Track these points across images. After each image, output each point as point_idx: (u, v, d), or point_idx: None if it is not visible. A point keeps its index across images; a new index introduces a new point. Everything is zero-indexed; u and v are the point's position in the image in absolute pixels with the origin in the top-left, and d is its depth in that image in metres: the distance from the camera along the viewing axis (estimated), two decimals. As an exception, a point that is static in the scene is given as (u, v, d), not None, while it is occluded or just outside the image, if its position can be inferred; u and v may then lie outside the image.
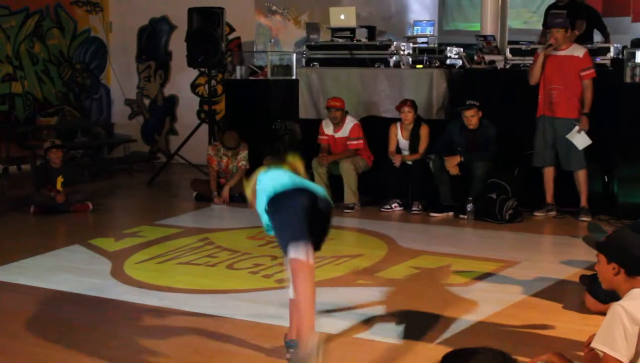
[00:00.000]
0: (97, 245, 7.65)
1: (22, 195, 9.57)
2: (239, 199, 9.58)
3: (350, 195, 9.22)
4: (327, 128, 9.58)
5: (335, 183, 9.38)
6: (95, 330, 5.35)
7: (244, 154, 9.90)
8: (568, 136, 8.42)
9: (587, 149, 8.47)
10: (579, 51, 8.50)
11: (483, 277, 6.41)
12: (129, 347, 5.03)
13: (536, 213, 8.73)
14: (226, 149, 9.87)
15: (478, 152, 8.83)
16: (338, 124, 9.46)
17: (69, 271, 6.75)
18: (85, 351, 4.91)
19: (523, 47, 9.61)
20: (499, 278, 6.39)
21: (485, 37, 9.78)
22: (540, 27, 11.00)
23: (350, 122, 9.48)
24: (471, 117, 8.80)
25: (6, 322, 5.50)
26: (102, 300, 5.99)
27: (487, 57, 9.53)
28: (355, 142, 9.42)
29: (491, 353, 2.55)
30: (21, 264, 6.99)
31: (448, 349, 4.28)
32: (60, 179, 9.32)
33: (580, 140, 8.42)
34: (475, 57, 9.74)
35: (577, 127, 8.39)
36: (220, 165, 9.89)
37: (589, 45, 9.02)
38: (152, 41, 13.91)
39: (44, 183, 9.31)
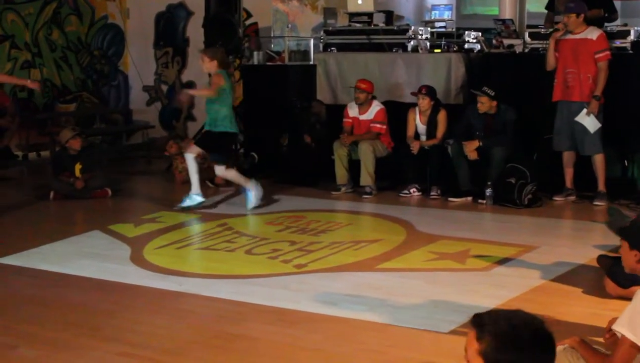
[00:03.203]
0: (117, 230, 7.69)
1: (42, 181, 9.62)
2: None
3: (366, 176, 9.19)
4: (352, 110, 9.56)
5: (355, 167, 9.38)
6: (115, 315, 5.38)
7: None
8: (577, 119, 8.37)
9: (606, 133, 8.42)
10: (593, 34, 8.42)
11: (502, 261, 6.40)
12: (149, 332, 5.05)
13: (555, 198, 8.68)
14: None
15: (497, 136, 8.79)
16: (363, 107, 9.44)
17: (88, 257, 6.79)
18: (106, 336, 4.94)
19: (542, 31, 9.54)
20: (518, 263, 6.37)
21: (503, 21, 9.72)
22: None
23: (376, 106, 9.46)
24: (480, 104, 8.77)
25: (26, 308, 5.54)
26: (122, 285, 6.03)
27: (506, 41, 9.47)
28: (379, 125, 9.40)
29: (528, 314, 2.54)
30: (41, 250, 7.04)
31: (464, 334, 4.27)
32: (78, 166, 9.36)
33: (590, 123, 8.35)
34: (494, 41, 9.67)
35: (585, 110, 8.34)
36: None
37: (608, 29, 8.94)
38: (169, 27, 13.91)
39: (62, 169, 9.36)
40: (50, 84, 13.17)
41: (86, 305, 5.57)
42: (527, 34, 9.46)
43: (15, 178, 10.79)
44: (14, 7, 12.18)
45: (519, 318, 2.47)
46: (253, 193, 8.49)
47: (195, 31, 12.94)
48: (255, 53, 11.18)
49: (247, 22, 12.86)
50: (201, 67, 8.65)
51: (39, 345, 4.84)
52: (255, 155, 10.18)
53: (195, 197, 8.53)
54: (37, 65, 12.87)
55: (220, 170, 8.62)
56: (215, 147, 8.47)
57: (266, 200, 8.76)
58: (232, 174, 8.64)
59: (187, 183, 9.58)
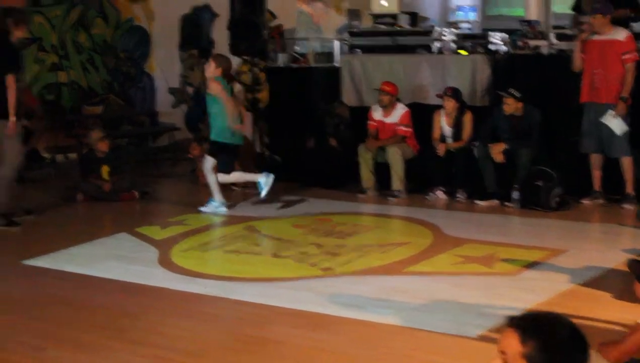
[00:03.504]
0: (144, 233, 7.72)
1: (69, 183, 9.68)
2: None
3: (397, 181, 9.19)
4: (376, 113, 9.55)
5: (380, 170, 9.38)
6: (140, 317, 5.40)
7: None
8: (603, 120, 8.30)
9: (635, 135, 8.34)
10: (621, 34, 8.35)
11: (530, 265, 6.35)
12: (174, 334, 5.07)
13: (583, 201, 8.61)
14: None
15: (523, 138, 8.74)
16: (387, 109, 9.43)
17: (116, 259, 6.83)
18: (131, 338, 4.97)
19: (568, 32, 9.48)
20: (546, 267, 6.32)
21: (529, 22, 9.66)
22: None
23: (401, 109, 9.45)
24: (506, 105, 8.73)
25: (54, 309, 5.58)
26: (149, 287, 6.06)
27: (532, 43, 9.41)
28: (404, 128, 9.39)
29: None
30: (69, 252, 7.09)
31: (494, 338, 4.24)
32: (106, 168, 9.42)
33: (617, 125, 8.28)
34: (520, 43, 9.61)
35: (611, 111, 8.27)
36: None
37: (634, 29, 8.86)
38: (194, 29, 13.94)
39: (90, 172, 9.42)
40: (77, 86, 13.25)
41: (112, 307, 5.59)
42: (553, 35, 9.40)
43: (43, 180, 10.86)
44: (41, 9, 12.26)
45: (558, 320, 2.47)
46: (263, 181, 8.53)
47: (220, 33, 12.95)
48: (279, 55, 11.20)
49: (272, 24, 12.86)
50: (205, 69, 8.73)
51: (65, 346, 4.88)
52: (279, 158, 10.17)
53: (215, 206, 8.58)
54: (64, 67, 12.97)
55: (222, 178, 8.64)
56: (219, 157, 8.57)
57: (289, 201, 8.76)
58: (236, 176, 8.75)
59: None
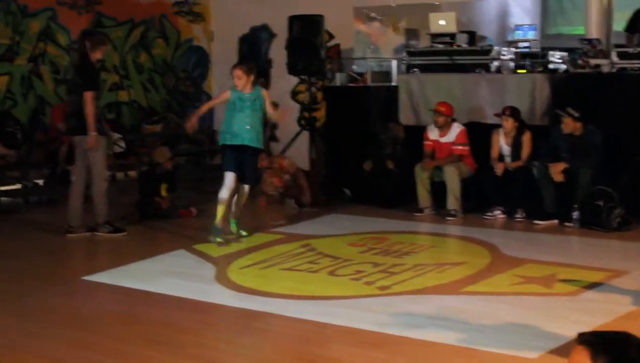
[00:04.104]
0: (202, 250, 7.79)
1: (129, 200, 9.82)
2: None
3: (453, 201, 9.15)
4: (432, 133, 9.54)
5: (437, 189, 9.34)
6: (199, 333, 5.43)
7: (286, 161, 10.14)
8: None
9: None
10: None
11: (590, 286, 6.25)
12: (232, 351, 5.10)
13: (645, 222, 8.47)
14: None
15: (583, 158, 8.63)
16: (443, 129, 9.41)
17: (174, 275, 6.89)
18: (190, 354, 5.00)
19: (630, 50, 9.34)
20: (607, 288, 6.22)
21: (590, 40, 9.55)
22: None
23: (457, 128, 9.42)
24: (564, 125, 8.64)
25: (114, 324, 5.66)
26: (206, 304, 6.10)
27: (592, 61, 9.30)
28: (460, 147, 9.36)
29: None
30: (129, 268, 7.18)
31: (553, 360, 4.18)
32: (164, 186, 9.54)
33: None
34: (580, 61, 9.50)
35: None
36: (278, 188, 10.11)
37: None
38: (252, 49, 14.09)
39: (149, 189, 9.54)
40: (138, 106, 13.46)
41: (171, 323, 5.64)
42: (614, 54, 9.28)
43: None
44: (103, 30, 12.48)
45: (627, 338, 2.45)
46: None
47: (278, 53, 13.08)
48: (337, 74, 11.24)
49: (330, 44, 12.93)
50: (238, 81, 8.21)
51: (124, 361, 4.93)
52: (349, 192, 10.14)
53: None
54: (125, 87, 13.19)
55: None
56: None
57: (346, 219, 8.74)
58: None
59: (272, 204, 9.76)
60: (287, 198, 10.21)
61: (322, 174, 10.40)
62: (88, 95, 8.19)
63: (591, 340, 2.47)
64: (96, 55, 8.42)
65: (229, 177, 8.11)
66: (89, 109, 8.20)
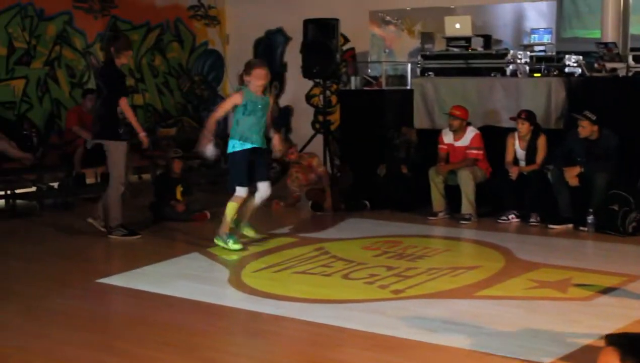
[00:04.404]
0: (215, 253, 7.80)
1: (144, 204, 9.84)
2: (357, 207, 9.70)
3: (467, 205, 9.13)
4: (447, 136, 9.52)
5: (451, 193, 9.33)
6: (212, 337, 5.43)
7: (316, 161, 10.08)
8: None
9: None
10: None
11: (605, 291, 6.21)
12: (245, 354, 5.10)
13: (661, 226, 8.41)
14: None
15: (599, 162, 8.59)
16: (458, 133, 9.38)
17: (188, 278, 6.90)
18: (202, 357, 4.99)
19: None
20: (622, 293, 6.18)
21: (606, 44, 9.51)
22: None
23: (471, 132, 9.39)
24: (581, 128, 8.59)
25: (127, 327, 5.66)
26: (220, 307, 6.10)
27: (609, 65, 9.26)
28: (475, 151, 9.33)
29: None
30: (143, 271, 7.19)
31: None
32: (179, 189, 9.57)
33: None
34: (596, 65, 9.47)
35: None
36: (301, 185, 10.09)
37: None
38: (267, 52, 14.11)
39: (164, 192, 9.56)
40: (152, 109, 13.50)
41: (184, 326, 5.64)
42: (631, 57, 9.23)
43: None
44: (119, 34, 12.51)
45: None
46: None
47: (293, 56, 13.10)
48: (352, 78, 11.25)
49: (345, 47, 12.95)
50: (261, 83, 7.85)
51: (139, 364, 4.94)
52: (367, 203, 10.11)
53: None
54: (140, 90, 13.23)
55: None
56: None
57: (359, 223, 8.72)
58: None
59: (287, 208, 9.76)
60: (305, 199, 10.16)
61: (349, 183, 10.28)
62: (123, 103, 8.32)
63: (620, 341, 2.47)
64: (122, 60, 8.48)
65: (244, 192, 7.89)
66: (129, 114, 8.37)
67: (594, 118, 8.55)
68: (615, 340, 2.50)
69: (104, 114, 8.45)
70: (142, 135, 8.47)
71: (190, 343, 5.24)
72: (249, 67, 7.91)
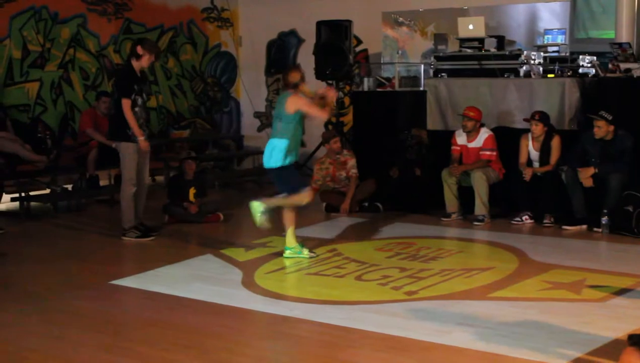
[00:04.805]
0: (228, 254, 7.81)
1: (157, 205, 9.87)
2: (370, 209, 9.69)
3: (480, 206, 9.11)
4: (460, 138, 9.50)
5: (464, 194, 9.31)
6: (225, 338, 5.43)
7: (352, 162, 9.99)
8: None
9: None
10: None
11: (619, 292, 6.19)
12: (259, 355, 5.09)
13: (676, 227, 8.37)
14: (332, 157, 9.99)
15: (613, 163, 8.55)
16: (471, 134, 9.36)
17: (201, 280, 6.91)
18: (216, 359, 5.00)
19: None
20: (637, 294, 6.15)
21: (620, 44, 9.48)
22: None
23: (485, 133, 9.37)
24: (597, 128, 8.55)
25: (140, 329, 5.67)
26: (233, 308, 6.10)
27: (623, 65, 9.23)
28: (488, 153, 9.30)
29: None
30: (156, 272, 7.21)
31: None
32: (192, 190, 9.58)
33: None
34: (610, 66, 9.44)
35: None
36: (326, 176, 10.03)
37: None
38: (280, 54, 14.14)
39: (177, 194, 9.59)
40: (166, 111, 13.54)
41: (198, 328, 5.65)
42: (645, 58, 9.20)
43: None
44: (132, 36, 12.58)
45: None
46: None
47: (306, 58, 13.10)
48: (365, 79, 11.24)
49: (358, 49, 12.95)
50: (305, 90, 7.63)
51: (153, 366, 4.95)
52: (380, 206, 10.09)
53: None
54: (154, 92, 13.27)
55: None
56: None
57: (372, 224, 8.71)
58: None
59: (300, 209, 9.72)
60: (321, 201, 10.06)
61: (371, 192, 10.16)
62: (123, 104, 8.33)
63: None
64: (142, 63, 8.49)
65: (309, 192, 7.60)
66: (128, 117, 8.33)
67: (610, 118, 8.51)
68: (638, 340, 2.51)
69: (114, 115, 8.53)
70: (141, 139, 8.45)
71: (204, 345, 5.25)
72: (303, 77, 7.55)
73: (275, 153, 7.42)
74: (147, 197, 8.90)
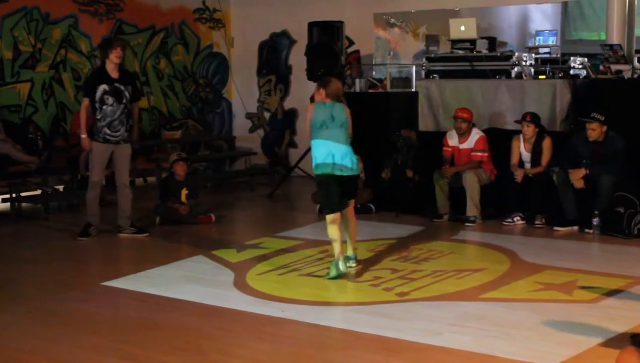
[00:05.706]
0: (220, 256, 7.80)
1: (148, 206, 9.85)
2: (362, 210, 9.67)
3: (472, 207, 9.12)
4: (452, 139, 9.51)
5: (456, 196, 9.32)
6: (219, 340, 5.43)
7: (361, 166, 9.94)
8: None
9: None
10: None
11: (610, 293, 6.21)
12: (252, 357, 5.09)
13: (666, 228, 8.40)
14: None
15: (604, 164, 8.58)
16: (463, 135, 9.38)
17: (193, 281, 6.90)
18: (210, 359, 5.01)
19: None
20: (628, 295, 6.17)
21: (611, 46, 9.51)
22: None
23: (476, 134, 9.39)
24: (591, 131, 8.57)
25: (133, 330, 5.66)
26: (225, 310, 6.09)
27: (614, 67, 9.26)
28: (480, 154, 9.32)
29: None
30: (148, 274, 7.20)
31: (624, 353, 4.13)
32: (184, 191, 9.57)
33: None
34: (601, 67, 9.47)
35: None
36: None
37: None
38: (272, 55, 14.15)
39: (169, 195, 9.58)
40: (157, 112, 13.52)
41: (190, 329, 5.64)
42: (636, 59, 9.22)
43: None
44: (123, 37, 12.55)
45: None
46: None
47: (297, 59, 13.11)
48: (357, 80, 11.24)
49: (349, 50, 12.96)
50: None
51: (145, 367, 4.95)
52: (373, 207, 10.07)
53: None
54: (145, 93, 13.25)
55: None
56: None
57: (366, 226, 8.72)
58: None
59: (291, 210, 9.70)
60: (314, 202, 10.06)
61: (367, 199, 10.12)
62: (83, 101, 8.58)
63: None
64: (112, 60, 8.51)
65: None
66: (81, 115, 8.58)
67: (603, 118, 8.53)
68: (637, 340, 2.52)
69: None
70: (83, 137, 8.60)
71: (197, 347, 5.24)
72: None
73: (353, 159, 7.18)
74: (139, 197, 8.90)
